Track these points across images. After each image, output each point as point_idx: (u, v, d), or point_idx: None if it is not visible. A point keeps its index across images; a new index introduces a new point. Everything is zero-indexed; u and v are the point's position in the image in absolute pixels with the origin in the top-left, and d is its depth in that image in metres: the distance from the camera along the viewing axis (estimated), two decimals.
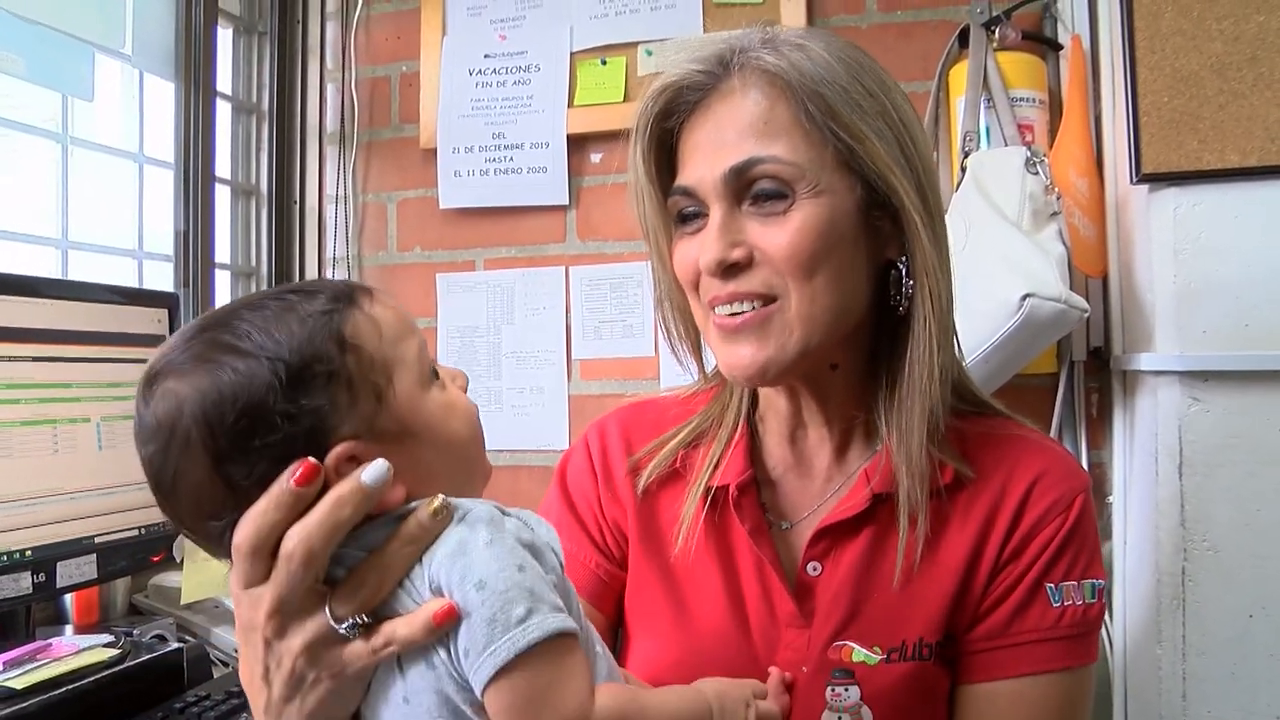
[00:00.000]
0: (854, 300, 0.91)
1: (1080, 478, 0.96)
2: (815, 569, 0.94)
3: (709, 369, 1.04)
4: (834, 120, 0.86)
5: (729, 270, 0.88)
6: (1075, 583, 0.91)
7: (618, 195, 2.10)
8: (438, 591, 0.65)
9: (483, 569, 0.64)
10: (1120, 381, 1.77)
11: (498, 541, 0.66)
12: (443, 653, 0.65)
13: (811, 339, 0.88)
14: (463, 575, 0.64)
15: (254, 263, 2.33)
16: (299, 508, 0.64)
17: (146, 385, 0.67)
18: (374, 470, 0.65)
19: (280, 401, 0.64)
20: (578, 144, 2.15)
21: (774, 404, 1.01)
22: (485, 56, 2.22)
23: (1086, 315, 1.54)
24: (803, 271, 0.86)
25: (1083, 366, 1.84)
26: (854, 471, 0.97)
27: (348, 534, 0.66)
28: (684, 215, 0.93)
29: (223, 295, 2.21)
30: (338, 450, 0.66)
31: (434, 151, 2.24)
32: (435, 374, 0.75)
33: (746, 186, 0.88)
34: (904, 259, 0.90)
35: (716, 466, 0.98)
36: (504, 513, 0.70)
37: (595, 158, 2.15)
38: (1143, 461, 1.61)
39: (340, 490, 0.65)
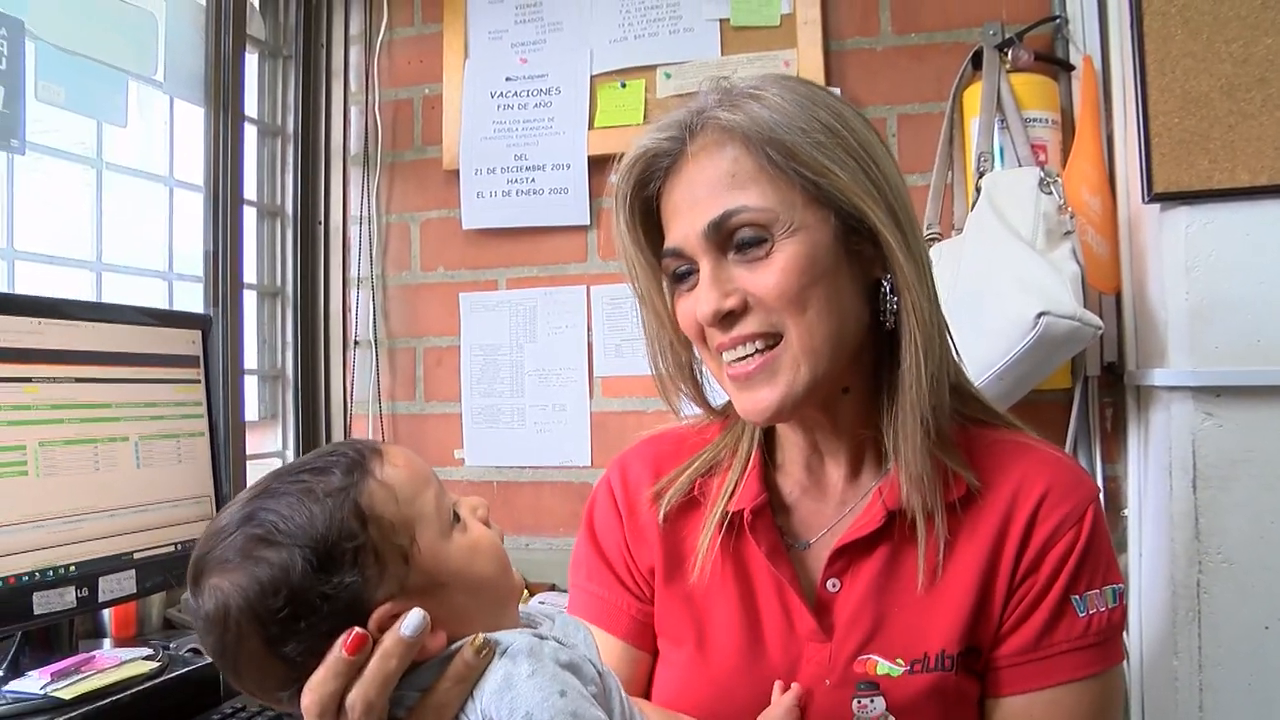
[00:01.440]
0: (851, 323, 0.94)
1: (1088, 487, 0.99)
2: (834, 585, 0.98)
3: (714, 404, 1.08)
4: (795, 160, 0.90)
5: (727, 318, 0.93)
6: (1098, 590, 0.94)
7: None
8: None
9: (528, 701, 0.70)
10: (1134, 397, 1.79)
11: (539, 671, 0.71)
12: None
13: (818, 369, 0.92)
14: (511, 709, 0.70)
15: (280, 282, 2.37)
16: (354, 671, 0.70)
17: (194, 582, 0.73)
18: (411, 621, 0.70)
19: (317, 584, 0.69)
20: (598, 165, 2.18)
21: (787, 431, 1.04)
22: (507, 79, 2.27)
23: (1100, 332, 1.56)
24: (795, 307, 0.91)
25: (1097, 382, 1.87)
26: (868, 491, 1.01)
27: (402, 678, 0.71)
28: (678, 275, 0.97)
29: (250, 315, 2.25)
30: (377, 615, 0.71)
31: (456, 173, 2.28)
32: (456, 515, 0.79)
33: (727, 237, 0.92)
34: (888, 275, 0.94)
35: (732, 493, 1.02)
36: (541, 637, 0.75)
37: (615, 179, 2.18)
38: (1157, 475, 1.63)
39: (385, 645, 0.70)
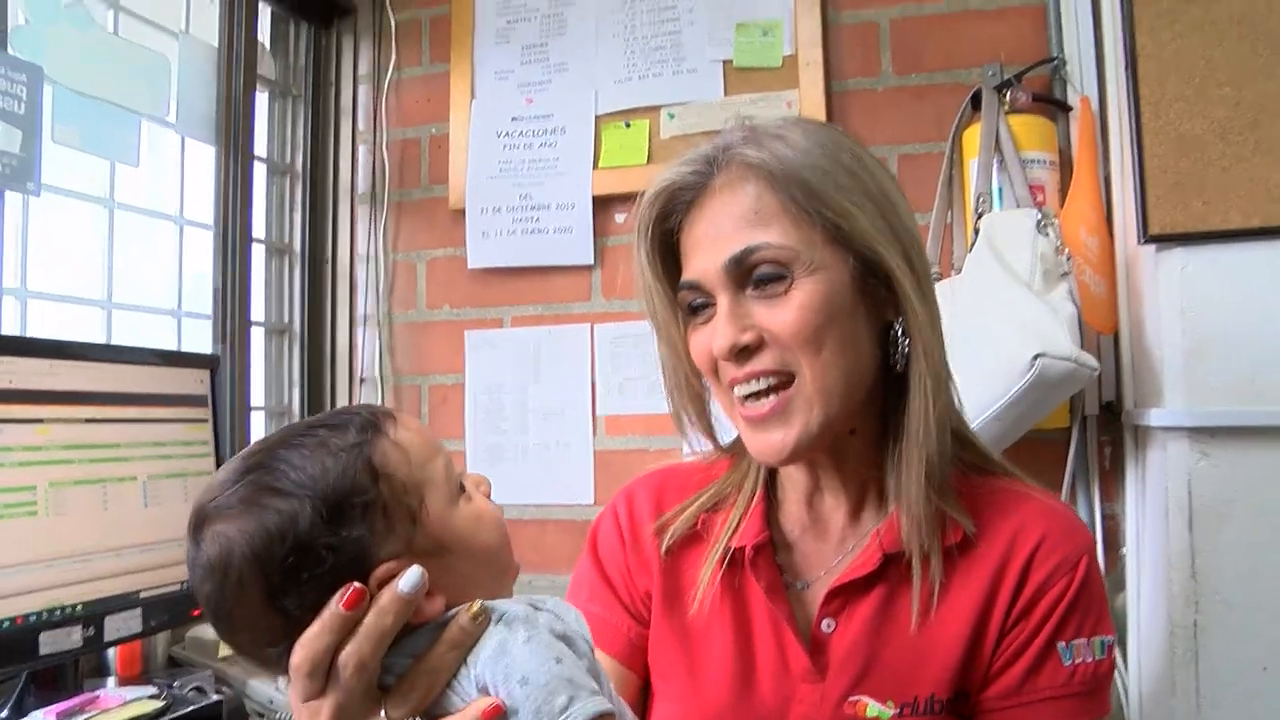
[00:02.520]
0: (862, 364, 0.96)
1: (1084, 536, 1.00)
2: (829, 625, 0.99)
3: (724, 443, 1.09)
4: (819, 201, 0.92)
5: (742, 353, 0.94)
6: (1085, 640, 0.95)
7: None
8: (484, 690, 0.70)
9: (524, 666, 0.70)
10: (1132, 436, 1.80)
11: (535, 638, 0.72)
12: None
13: (831, 410, 0.93)
14: (506, 673, 0.70)
15: (287, 319, 2.40)
16: (349, 628, 0.70)
17: (196, 528, 0.72)
18: (409, 578, 0.70)
19: (324, 535, 0.70)
20: (602, 205, 2.21)
21: (791, 471, 1.06)
22: (513, 119, 2.30)
23: (1096, 373, 1.58)
24: (810, 346, 0.92)
25: (1096, 421, 1.88)
26: (868, 532, 1.02)
27: (396, 644, 0.72)
28: (694, 307, 0.98)
29: (258, 352, 2.28)
30: (379, 572, 0.71)
31: (462, 212, 2.31)
32: (461, 486, 0.80)
33: (747, 273, 0.93)
34: (900, 319, 0.96)
35: (735, 530, 1.03)
36: (536, 608, 0.76)
37: (619, 218, 2.21)
38: (1154, 514, 1.64)
39: (381, 600, 0.70)
